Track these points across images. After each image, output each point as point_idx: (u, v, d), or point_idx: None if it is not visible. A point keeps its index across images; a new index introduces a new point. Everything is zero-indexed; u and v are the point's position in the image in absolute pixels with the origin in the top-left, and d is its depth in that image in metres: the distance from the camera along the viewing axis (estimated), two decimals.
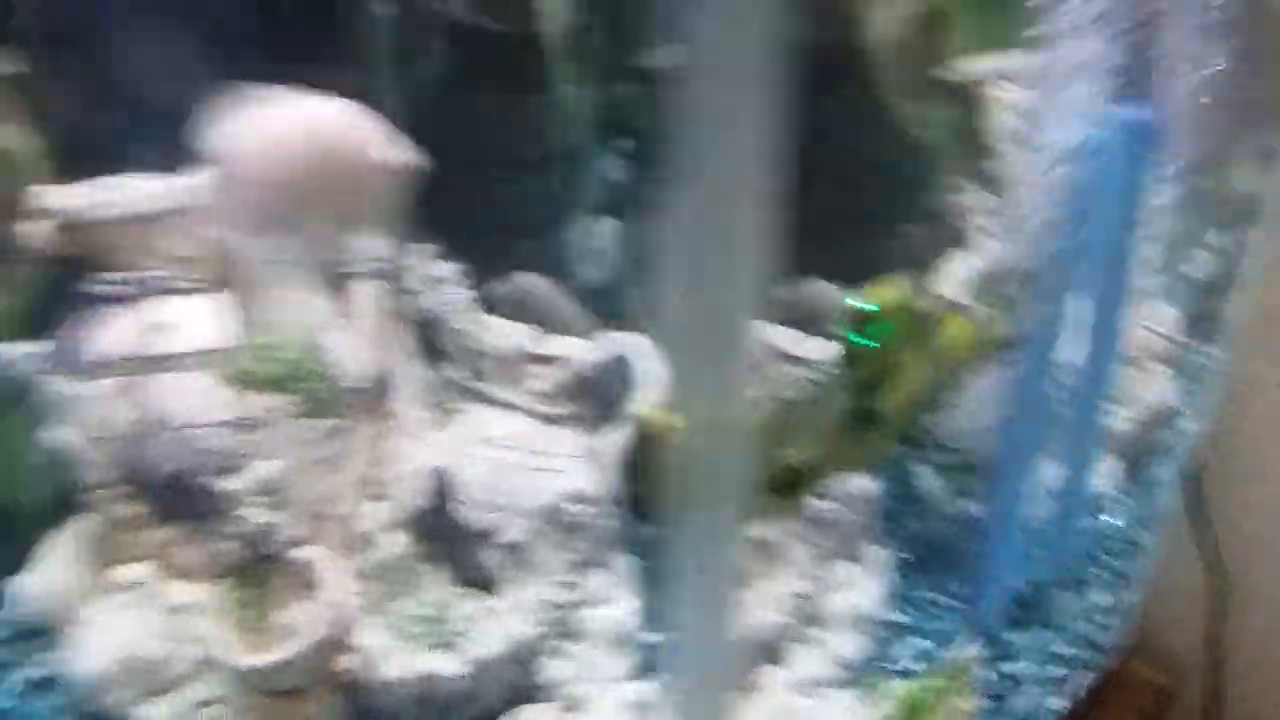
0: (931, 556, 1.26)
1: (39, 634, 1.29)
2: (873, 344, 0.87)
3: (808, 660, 1.16)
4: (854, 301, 0.89)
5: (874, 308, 0.89)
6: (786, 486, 0.83)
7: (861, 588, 1.24)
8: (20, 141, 1.38)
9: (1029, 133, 0.98)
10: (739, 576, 0.64)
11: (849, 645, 1.19)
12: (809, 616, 1.19)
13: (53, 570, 1.29)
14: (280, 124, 0.78)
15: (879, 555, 1.27)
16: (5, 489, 1.39)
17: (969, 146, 1.29)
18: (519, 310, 1.40)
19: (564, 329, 1.34)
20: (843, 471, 0.89)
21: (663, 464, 0.77)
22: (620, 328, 1.37)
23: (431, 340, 1.33)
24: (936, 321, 0.93)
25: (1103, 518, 1.30)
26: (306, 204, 0.78)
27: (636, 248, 1.64)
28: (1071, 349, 1.01)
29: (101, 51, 1.43)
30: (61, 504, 1.31)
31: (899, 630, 1.25)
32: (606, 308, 1.52)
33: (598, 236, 1.65)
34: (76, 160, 1.31)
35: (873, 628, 1.22)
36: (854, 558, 1.26)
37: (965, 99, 1.31)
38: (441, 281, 1.32)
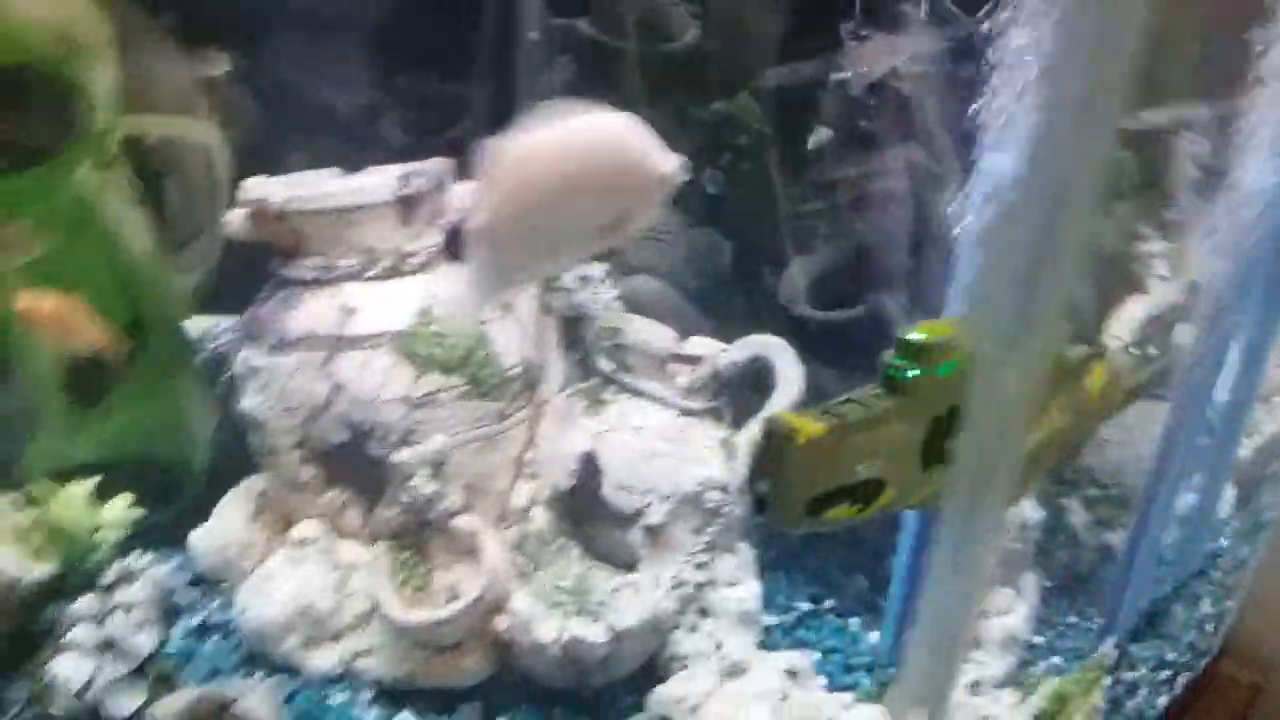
0: (1073, 582, 1.34)
1: (212, 584, 1.42)
2: (920, 372, 0.84)
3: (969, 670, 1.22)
4: (909, 334, 0.86)
5: (922, 338, 0.86)
6: (861, 500, 0.86)
7: (1016, 611, 1.29)
8: (220, 136, 1.52)
9: (1219, 177, 1.05)
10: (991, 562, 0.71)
11: (1002, 662, 1.25)
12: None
13: (227, 526, 1.42)
14: (563, 136, 0.87)
15: (1031, 580, 1.34)
16: (188, 449, 1.53)
17: (1152, 193, 1.34)
18: (638, 309, 1.49)
19: (683, 330, 1.43)
20: (909, 502, 0.91)
21: (791, 463, 0.82)
22: (726, 330, 1.45)
23: (580, 335, 1.44)
24: (1081, 367, 0.96)
25: (1221, 541, 1.37)
26: (580, 212, 0.87)
27: (736, 255, 1.73)
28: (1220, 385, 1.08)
29: (294, 56, 1.57)
30: (238, 465, 1.45)
31: (1040, 650, 1.34)
32: (715, 310, 1.61)
33: (703, 243, 1.74)
34: (273, 156, 1.44)
35: (1019, 647, 1.29)
36: (1013, 583, 1.33)
37: (1150, 147, 1.36)
38: (590, 280, 1.43)
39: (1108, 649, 1.12)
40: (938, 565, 0.83)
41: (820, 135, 1.51)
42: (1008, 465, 0.79)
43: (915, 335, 0.84)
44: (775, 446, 0.81)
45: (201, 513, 1.42)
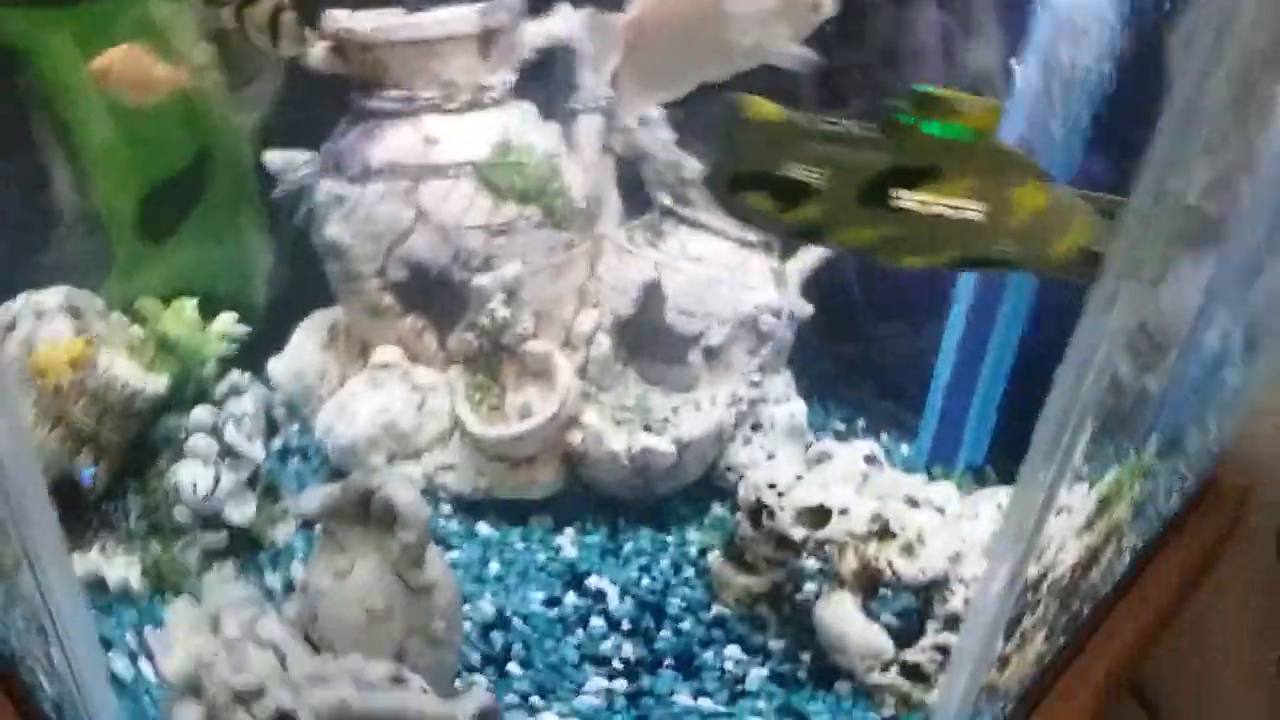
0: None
1: (293, 407, 1.49)
2: (912, 120, 0.86)
3: None
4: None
5: (929, 90, 0.84)
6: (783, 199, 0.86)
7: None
8: None
9: None
10: None
11: None
12: None
13: (303, 354, 1.49)
14: None
15: None
16: (251, 282, 1.58)
17: None
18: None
19: None
20: (838, 234, 0.91)
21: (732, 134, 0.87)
22: None
23: (640, 170, 1.51)
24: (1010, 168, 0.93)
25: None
26: (726, 29, 0.92)
27: None
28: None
29: None
30: (316, 293, 1.51)
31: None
32: None
33: None
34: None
35: None
36: None
37: None
38: (649, 120, 1.49)
39: (1148, 457, 1.26)
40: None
41: None
42: None
43: (926, 87, 0.87)
44: (728, 117, 0.84)
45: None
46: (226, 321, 1.25)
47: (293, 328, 1.50)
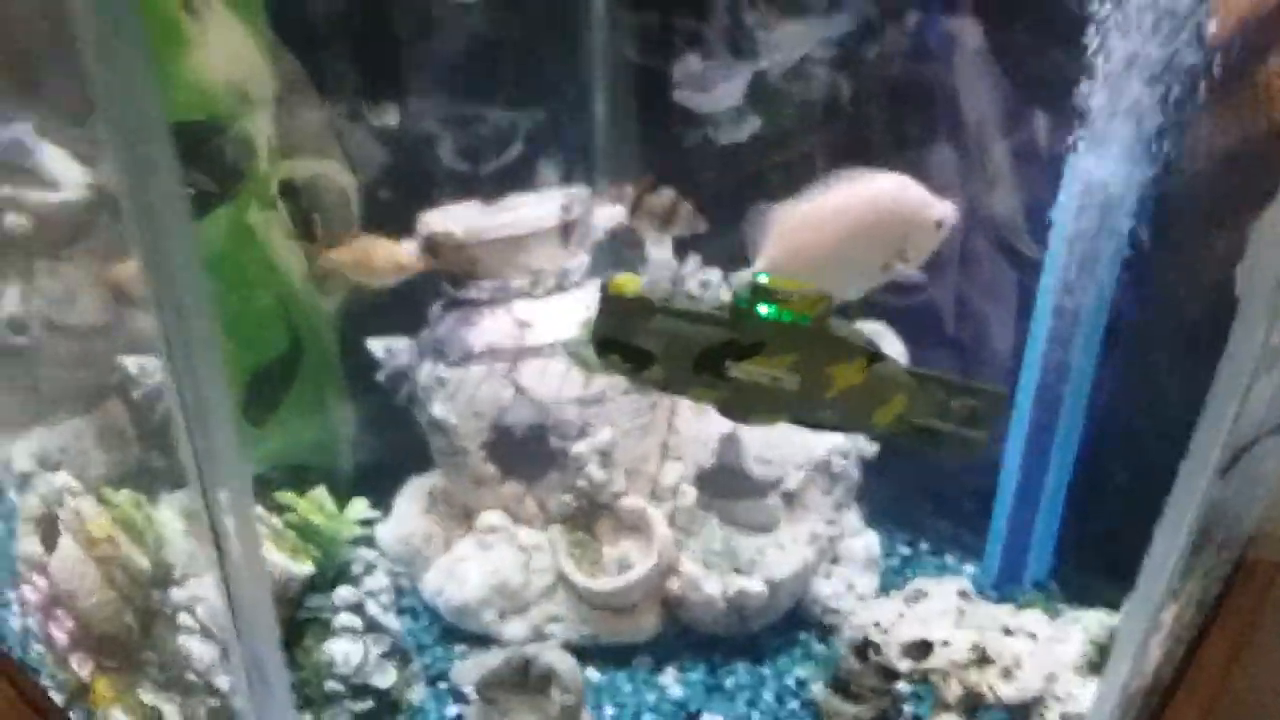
0: None
1: (397, 571, 1.60)
2: (743, 303, 0.95)
3: None
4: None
5: (762, 281, 0.95)
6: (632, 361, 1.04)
7: None
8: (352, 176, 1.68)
9: None
10: None
11: None
12: None
13: (408, 520, 1.60)
14: (844, 198, 1.07)
15: None
16: (339, 458, 1.71)
17: None
18: None
19: None
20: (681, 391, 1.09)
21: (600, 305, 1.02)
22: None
23: None
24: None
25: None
26: (860, 260, 1.08)
27: None
28: None
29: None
30: (418, 464, 1.64)
31: None
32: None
33: None
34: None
35: None
36: None
37: None
38: (710, 284, 1.64)
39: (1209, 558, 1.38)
40: None
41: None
42: None
43: (761, 278, 0.97)
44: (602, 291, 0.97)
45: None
46: (359, 506, 1.37)
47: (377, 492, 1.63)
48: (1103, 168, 1.36)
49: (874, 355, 0.99)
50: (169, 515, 1.23)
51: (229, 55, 1.46)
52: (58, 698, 1.40)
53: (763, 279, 0.99)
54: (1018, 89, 1.59)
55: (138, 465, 1.56)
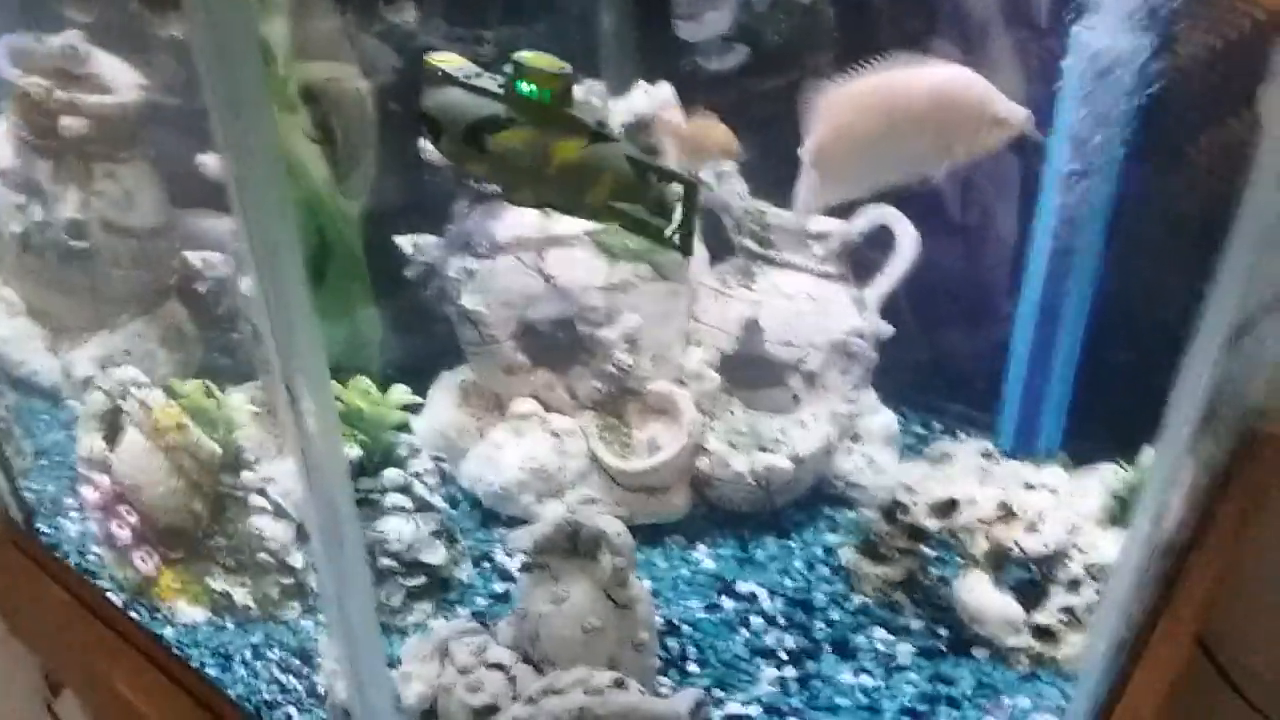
0: None
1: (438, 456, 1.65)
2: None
3: None
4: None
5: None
6: None
7: None
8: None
9: None
10: None
11: None
12: None
13: (442, 412, 1.66)
14: (899, 80, 1.08)
15: None
16: (366, 356, 1.75)
17: None
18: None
19: None
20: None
21: None
22: None
23: (722, 220, 1.69)
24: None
25: None
26: (909, 146, 1.09)
27: None
28: None
29: None
30: (447, 360, 1.69)
31: None
32: None
33: None
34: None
35: None
36: None
37: None
38: (725, 175, 1.67)
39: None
40: None
41: None
42: None
43: (520, 55, 1.05)
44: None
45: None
46: (400, 391, 1.42)
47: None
48: (1107, 41, 1.39)
49: (596, 135, 1.03)
50: (238, 398, 1.27)
51: None
52: (117, 599, 1.46)
53: (522, 55, 1.03)
54: None
55: (201, 364, 1.61)
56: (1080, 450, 1.61)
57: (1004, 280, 1.66)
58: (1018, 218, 1.63)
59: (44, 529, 1.68)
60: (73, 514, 1.64)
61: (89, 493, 1.41)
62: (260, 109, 0.79)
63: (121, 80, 1.57)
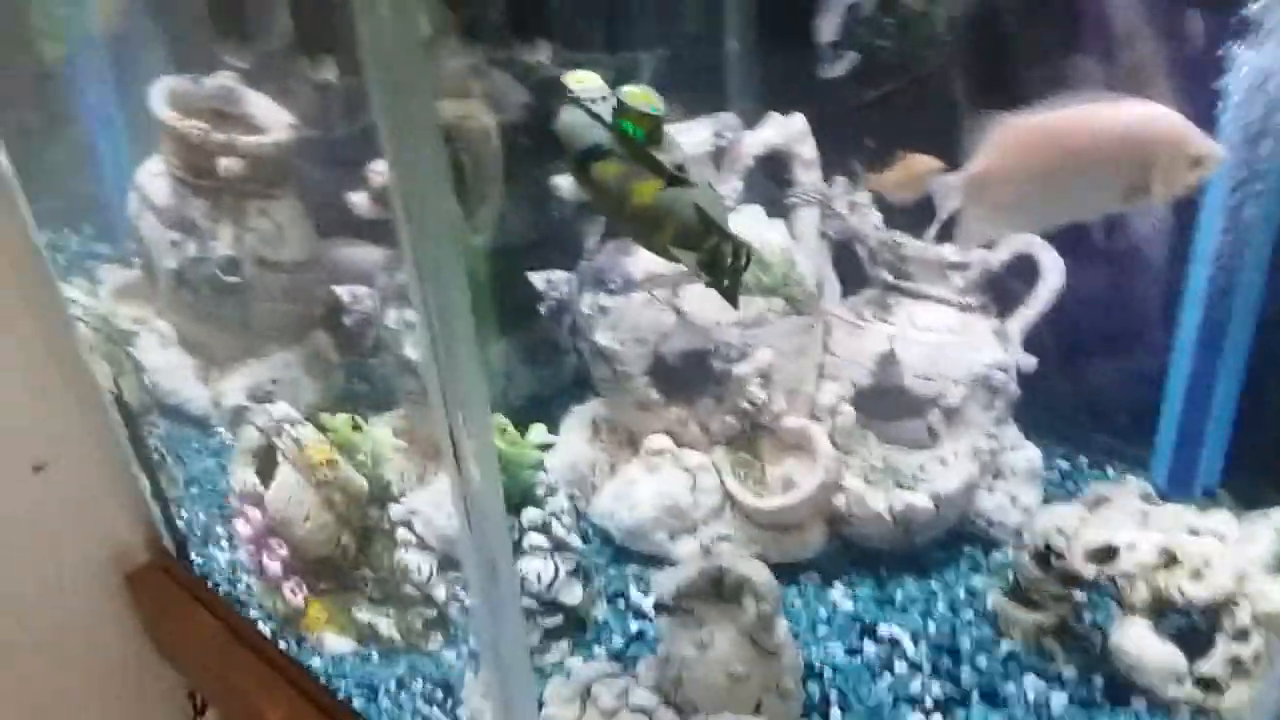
0: None
1: (572, 495, 1.66)
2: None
3: None
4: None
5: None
6: None
7: None
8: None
9: None
10: None
11: None
12: None
13: (573, 447, 1.66)
14: (1085, 116, 1.05)
15: None
16: (539, 381, 1.78)
17: None
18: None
19: None
20: None
21: None
22: None
23: (855, 251, 1.66)
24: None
25: None
26: (1090, 182, 1.06)
27: None
28: None
29: None
30: (579, 393, 1.70)
31: None
32: None
33: None
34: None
35: None
36: None
37: None
38: (859, 205, 1.64)
39: None
40: None
41: None
42: None
43: (625, 90, 1.05)
44: None
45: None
46: (539, 431, 1.43)
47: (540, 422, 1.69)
48: (1271, 59, 1.33)
49: (674, 178, 1.03)
50: (384, 432, 1.30)
51: None
52: (265, 628, 1.50)
53: (624, 90, 1.04)
54: None
55: (344, 391, 1.66)
56: (1241, 488, 1.53)
57: (1158, 306, 1.59)
58: (1174, 239, 1.56)
59: (195, 557, 1.74)
60: (223, 543, 1.70)
61: (242, 525, 1.46)
62: (433, 146, 0.81)
63: (273, 119, 1.63)
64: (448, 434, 0.87)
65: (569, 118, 1.08)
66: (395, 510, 1.28)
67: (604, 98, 1.12)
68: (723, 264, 1.02)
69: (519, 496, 1.40)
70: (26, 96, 1.73)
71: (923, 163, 1.46)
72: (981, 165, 1.13)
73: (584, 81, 1.10)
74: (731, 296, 1.03)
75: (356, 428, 1.33)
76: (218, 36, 1.50)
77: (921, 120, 1.62)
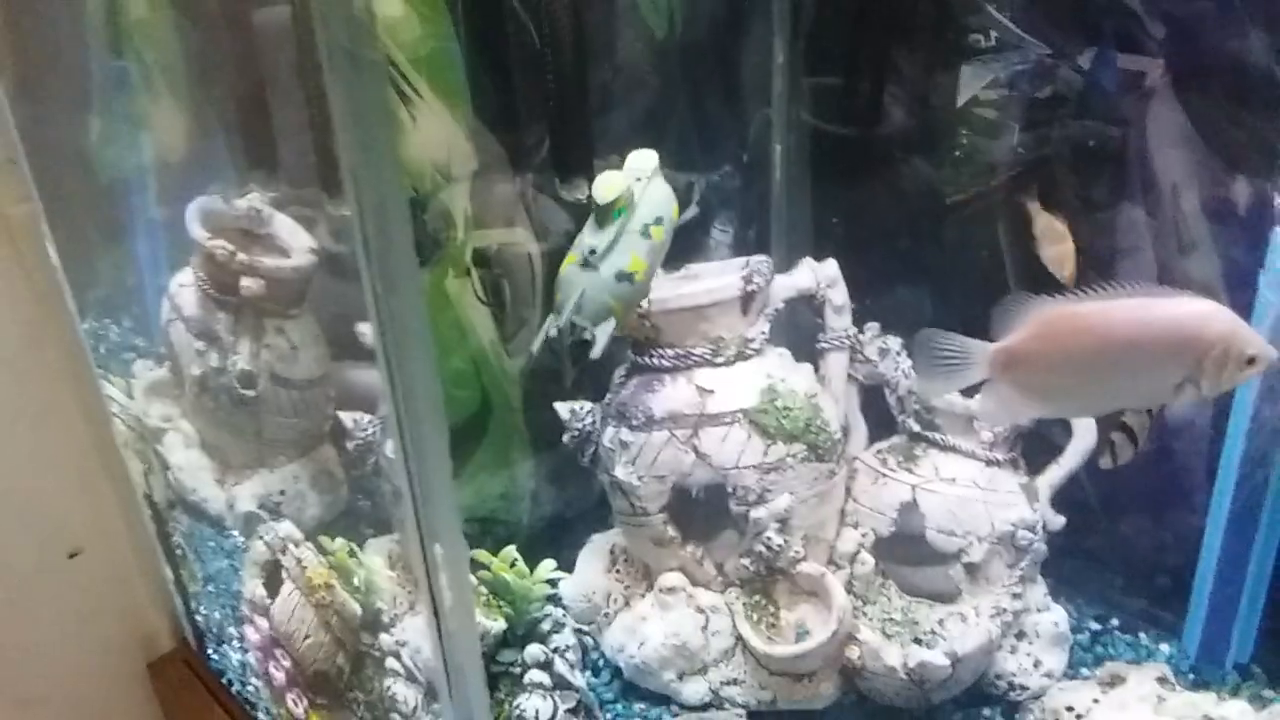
0: None
1: (581, 629, 1.65)
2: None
3: None
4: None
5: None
6: None
7: None
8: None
9: None
10: None
11: None
12: None
13: (589, 577, 1.66)
14: (1131, 307, 1.02)
15: None
16: (518, 512, 1.79)
17: None
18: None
19: None
20: None
21: None
22: None
23: (884, 398, 1.65)
24: None
25: None
26: (1129, 376, 1.04)
27: None
28: None
29: None
30: (599, 520, 1.70)
31: None
32: None
33: None
34: None
35: None
36: None
37: None
38: (889, 351, 1.64)
39: None
40: None
41: None
42: None
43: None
44: None
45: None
46: (548, 566, 1.43)
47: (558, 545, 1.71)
48: None
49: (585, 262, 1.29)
50: (377, 561, 1.32)
51: (435, 137, 1.57)
52: None
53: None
54: (1215, 146, 1.53)
55: (346, 508, 1.70)
56: (1275, 664, 1.47)
57: (1194, 470, 1.55)
58: (1211, 406, 1.53)
59: (212, 653, 1.76)
60: (235, 643, 1.72)
61: (250, 633, 1.48)
62: (411, 289, 0.84)
63: (296, 243, 1.71)
64: (423, 568, 0.89)
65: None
66: (384, 640, 1.29)
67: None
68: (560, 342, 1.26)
69: (524, 630, 1.40)
70: (83, 209, 1.84)
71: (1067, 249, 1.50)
72: (1013, 344, 1.12)
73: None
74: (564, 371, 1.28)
75: (352, 554, 1.35)
76: (250, 167, 1.59)
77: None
